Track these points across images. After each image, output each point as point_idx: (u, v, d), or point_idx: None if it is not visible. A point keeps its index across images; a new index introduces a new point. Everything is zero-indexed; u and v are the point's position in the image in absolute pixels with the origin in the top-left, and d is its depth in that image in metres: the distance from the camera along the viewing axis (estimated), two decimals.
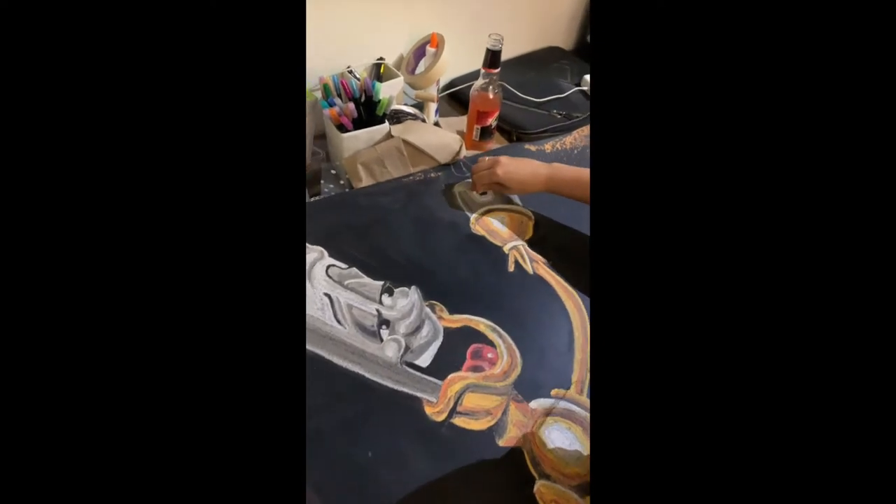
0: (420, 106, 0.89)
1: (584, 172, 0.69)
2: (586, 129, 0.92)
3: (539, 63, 1.06)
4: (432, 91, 0.87)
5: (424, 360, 0.58)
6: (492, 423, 0.54)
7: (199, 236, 0.25)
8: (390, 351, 0.58)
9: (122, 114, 0.24)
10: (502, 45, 0.75)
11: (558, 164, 0.71)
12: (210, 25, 0.25)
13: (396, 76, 0.85)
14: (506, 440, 0.53)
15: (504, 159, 0.73)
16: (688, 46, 0.25)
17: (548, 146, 0.89)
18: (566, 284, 0.68)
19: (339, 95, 0.78)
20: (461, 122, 0.91)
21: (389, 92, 0.82)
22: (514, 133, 0.91)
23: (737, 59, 0.24)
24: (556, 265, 0.70)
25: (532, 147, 0.89)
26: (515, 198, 0.79)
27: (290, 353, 0.26)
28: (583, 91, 0.99)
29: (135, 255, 0.24)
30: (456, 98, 0.98)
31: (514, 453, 0.52)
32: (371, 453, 0.50)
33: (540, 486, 0.50)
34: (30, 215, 0.23)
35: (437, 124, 0.90)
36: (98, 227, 0.24)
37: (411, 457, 0.51)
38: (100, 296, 0.24)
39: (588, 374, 0.58)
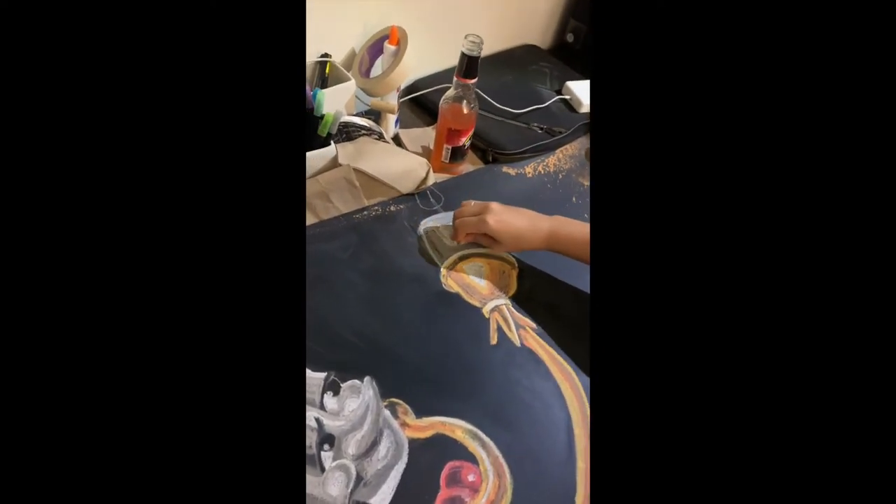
0: (376, 115, 0.72)
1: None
2: (571, 148, 0.81)
3: (515, 65, 0.93)
4: (392, 100, 0.70)
5: (382, 498, 0.42)
6: None
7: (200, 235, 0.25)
8: (335, 487, 0.41)
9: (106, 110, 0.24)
10: (481, 49, 0.60)
11: (561, 218, 0.58)
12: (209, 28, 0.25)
13: (347, 79, 0.67)
14: None
15: (496, 206, 0.59)
16: (689, 48, 0.25)
17: (528, 169, 0.77)
18: (559, 357, 0.55)
19: None
20: (426, 134, 0.76)
21: (336, 100, 0.65)
22: (490, 152, 0.76)
23: (739, 62, 0.24)
24: (546, 331, 0.57)
25: (511, 171, 0.75)
26: None
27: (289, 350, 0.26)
28: (564, 100, 0.87)
29: (127, 255, 0.24)
30: (420, 104, 0.82)
31: None
32: None
33: None
34: (22, 211, 0.23)
35: (396, 137, 0.74)
36: (70, 221, 0.24)
37: None
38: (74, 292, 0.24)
39: None
